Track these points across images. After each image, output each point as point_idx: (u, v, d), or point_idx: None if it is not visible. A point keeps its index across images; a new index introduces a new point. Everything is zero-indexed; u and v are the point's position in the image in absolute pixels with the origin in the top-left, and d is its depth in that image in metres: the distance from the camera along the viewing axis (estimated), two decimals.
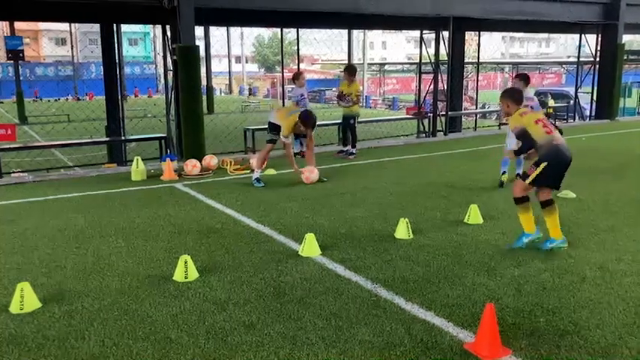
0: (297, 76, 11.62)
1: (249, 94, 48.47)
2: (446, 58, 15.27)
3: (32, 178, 9.54)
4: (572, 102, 21.08)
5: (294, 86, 11.65)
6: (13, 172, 11.49)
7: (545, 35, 76.27)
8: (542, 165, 5.05)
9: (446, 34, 14.90)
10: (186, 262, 4.71)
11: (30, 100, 33.74)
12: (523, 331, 3.72)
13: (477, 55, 19.76)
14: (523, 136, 5.19)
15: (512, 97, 5.43)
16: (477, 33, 18.94)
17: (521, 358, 3.40)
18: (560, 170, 5.16)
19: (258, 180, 8.49)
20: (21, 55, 23.43)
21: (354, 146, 11.28)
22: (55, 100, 41.13)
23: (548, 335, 3.66)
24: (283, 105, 14.71)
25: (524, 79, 7.97)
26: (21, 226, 6.43)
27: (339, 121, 12.19)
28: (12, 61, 27.50)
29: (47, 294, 4.42)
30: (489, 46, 53.43)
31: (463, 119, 19.39)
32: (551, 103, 21.27)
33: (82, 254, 5.39)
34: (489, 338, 3.41)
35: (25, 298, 4.14)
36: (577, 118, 20.94)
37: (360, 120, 11.77)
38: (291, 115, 8.47)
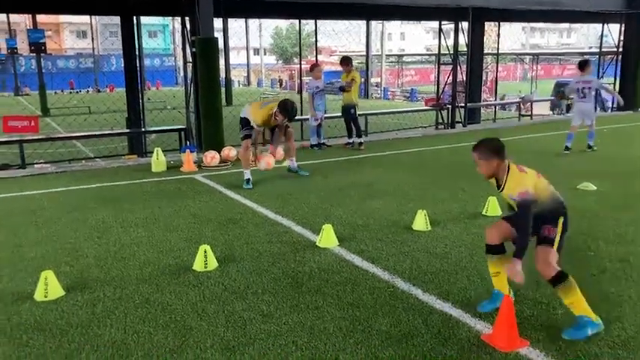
0: (312, 68, 11.63)
1: (280, 86, 48.33)
2: (465, 49, 15.14)
3: (54, 169, 9.70)
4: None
5: (311, 78, 11.66)
6: (36, 163, 11.70)
7: (566, 25, 75.13)
8: (561, 220, 3.64)
9: (465, 24, 14.76)
10: (205, 252, 4.77)
11: (52, 92, 34.15)
12: (541, 323, 3.71)
13: (496, 45, 19.55)
14: (529, 208, 3.52)
15: (498, 151, 3.62)
16: (497, 23, 18.74)
17: (538, 349, 3.39)
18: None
19: (247, 181, 7.89)
20: (43, 47, 23.72)
21: (359, 136, 11.33)
22: (77, 92, 41.59)
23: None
24: (300, 96, 14.71)
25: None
26: (44, 216, 6.55)
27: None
28: (34, 54, 27.85)
29: (70, 282, 4.52)
30: (509, 37, 52.74)
31: (482, 110, 19.24)
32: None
33: (104, 244, 5.49)
34: (507, 330, 3.41)
35: (49, 286, 4.24)
36: (598, 109, 20.62)
37: (377, 111, 11.75)
38: (266, 105, 7.89)
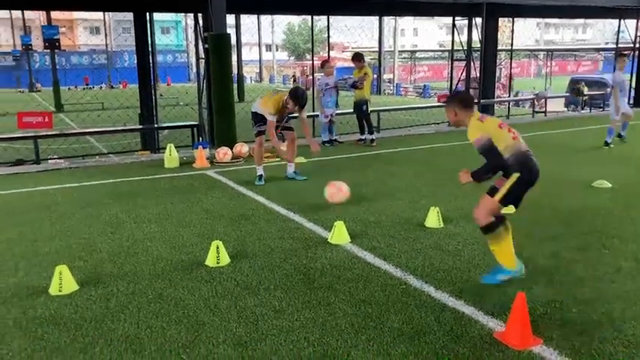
0: (323, 65, 11.59)
1: (293, 82, 48.28)
2: (478, 45, 15.04)
3: (68, 165, 9.79)
4: (609, 90, 20.56)
5: (322, 75, 11.62)
6: (50, 159, 11.80)
7: (581, 21, 74.35)
8: (515, 176, 3.95)
9: (479, 20, 14.67)
10: (218, 248, 4.79)
11: (66, 88, 34.44)
12: (554, 322, 3.68)
13: (510, 41, 19.41)
14: (489, 151, 3.95)
15: (461, 101, 4.18)
16: (511, 19, 18.59)
17: (552, 348, 3.36)
18: (529, 185, 4.03)
19: (260, 177, 7.91)
20: (57, 44, 23.92)
21: (371, 132, 11.29)
22: (90, 88, 41.90)
23: (581, 326, 3.61)
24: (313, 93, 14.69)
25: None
26: (58, 211, 6.61)
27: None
28: (49, 50, 28.07)
29: (84, 277, 4.55)
30: (523, 33, 52.33)
31: (495, 107, 19.11)
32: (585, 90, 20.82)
33: (117, 239, 5.53)
34: (520, 327, 3.39)
35: (64, 281, 4.27)
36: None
37: (390, 108, 11.70)
38: (276, 94, 7.84)
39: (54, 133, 12.11)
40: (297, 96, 7.56)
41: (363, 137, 11.40)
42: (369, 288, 4.27)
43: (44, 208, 6.74)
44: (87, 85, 44.52)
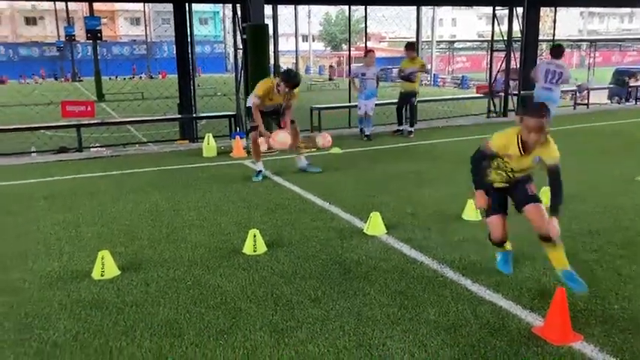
0: (366, 54, 11.40)
1: (330, 78, 48.12)
2: (519, 36, 14.71)
3: (110, 153, 10.02)
4: None
5: (362, 64, 11.51)
6: (92, 147, 12.08)
7: (627, 10, 71.82)
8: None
9: (520, 10, 14.34)
10: (255, 236, 4.84)
11: (107, 78, 35.13)
12: (595, 318, 3.61)
13: (552, 32, 18.91)
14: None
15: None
16: (553, 8, 18.11)
17: (593, 344, 3.30)
18: None
19: (258, 173, 7.61)
20: (99, 34, 24.39)
21: (412, 124, 11.16)
22: (130, 78, 42.68)
23: (624, 323, 3.53)
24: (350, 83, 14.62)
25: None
26: (100, 198, 6.79)
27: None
28: (91, 41, 28.66)
29: (125, 262, 4.67)
30: (566, 23, 50.94)
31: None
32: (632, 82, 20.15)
33: (157, 226, 5.64)
34: (560, 322, 3.33)
35: (106, 266, 4.39)
36: None
37: (427, 99, 11.56)
38: (267, 78, 7.57)
39: (96, 122, 12.38)
40: (290, 75, 7.33)
41: (400, 128, 11.31)
42: (404, 279, 4.25)
43: (87, 194, 6.93)
44: (134, 74, 45.43)
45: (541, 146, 3.80)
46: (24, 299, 4.02)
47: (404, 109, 11.40)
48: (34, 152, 11.61)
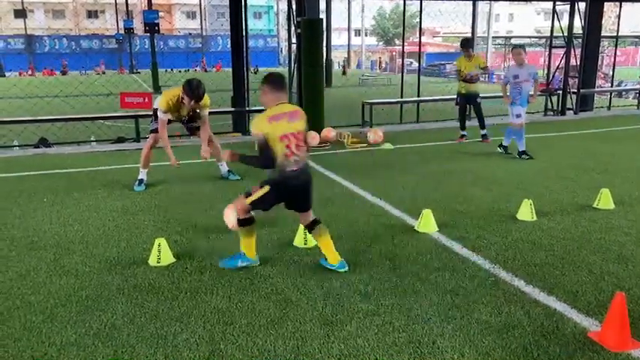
0: (512, 50, 9.73)
1: (380, 68, 47.81)
2: (580, 32, 14.22)
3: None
4: None
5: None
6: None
7: None
8: (266, 188, 4.26)
9: (582, 5, 13.85)
10: (305, 230, 4.89)
11: (163, 70, 36.00)
12: None
13: (615, 27, 18.19)
14: (260, 146, 4.19)
15: (267, 80, 4.30)
16: (617, 3, 17.39)
17: None
18: (280, 199, 4.35)
19: (140, 182, 6.93)
20: (156, 27, 25.03)
21: (483, 127, 10.26)
22: (186, 70, 43.60)
23: None
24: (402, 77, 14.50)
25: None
26: (157, 187, 6.99)
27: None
28: (148, 34, 29.45)
29: (180, 250, 4.80)
30: (632, 18, 48.80)
31: (596, 98, 18.03)
32: None
33: (211, 216, 5.76)
34: (618, 328, 3.22)
35: (162, 253, 4.53)
36: None
37: (482, 95, 11.10)
38: (174, 88, 6.88)
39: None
40: (191, 88, 6.54)
41: (465, 133, 10.44)
42: (456, 278, 4.21)
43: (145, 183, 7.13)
44: (205, 69, 46.38)
45: None
46: (85, 282, 4.20)
47: (466, 111, 10.86)
48: (93, 141, 12.07)
